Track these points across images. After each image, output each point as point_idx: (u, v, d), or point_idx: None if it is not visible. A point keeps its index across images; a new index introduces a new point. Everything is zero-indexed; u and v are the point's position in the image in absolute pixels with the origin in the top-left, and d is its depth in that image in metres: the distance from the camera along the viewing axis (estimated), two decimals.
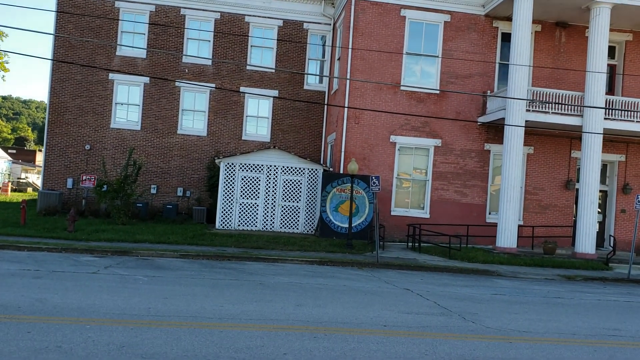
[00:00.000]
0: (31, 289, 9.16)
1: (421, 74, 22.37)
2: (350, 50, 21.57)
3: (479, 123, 21.99)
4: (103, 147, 24.35)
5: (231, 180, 21.41)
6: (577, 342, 8.05)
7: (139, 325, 7.22)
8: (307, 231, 21.55)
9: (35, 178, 74.91)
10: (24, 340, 6.13)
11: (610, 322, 9.88)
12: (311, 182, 21.74)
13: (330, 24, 25.37)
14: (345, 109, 21.51)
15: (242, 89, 24.98)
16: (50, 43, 24.05)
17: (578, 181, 20.86)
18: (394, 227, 21.23)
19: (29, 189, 53.50)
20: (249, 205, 21.51)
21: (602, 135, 19.89)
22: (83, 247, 15.11)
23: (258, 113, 25.65)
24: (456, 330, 8.26)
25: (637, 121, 20.91)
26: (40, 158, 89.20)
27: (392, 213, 21.81)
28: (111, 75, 24.23)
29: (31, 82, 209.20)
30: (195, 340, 6.68)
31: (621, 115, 20.87)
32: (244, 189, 21.47)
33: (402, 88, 21.88)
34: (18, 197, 36.18)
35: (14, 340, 6.15)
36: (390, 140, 21.95)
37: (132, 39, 24.78)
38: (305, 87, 25.73)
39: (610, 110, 20.60)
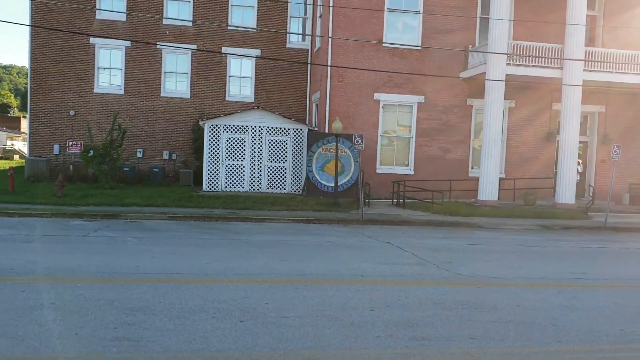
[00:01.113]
0: (23, 252, 9.49)
1: (403, 29, 22.40)
2: (331, 7, 21.50)
3: (460, 78, 22.18)
4: (87, 112, 24.35)
5: (216, 142, 21.58)
6: (543, 285, 8.54)
7: (128, 282, 7.58)
8: (294, 191, 21.90)
9: (21, 145, 74.34)
10: (19, 299, 6.48)
11: (578, 266, 10.40)
12: (297, 142, 21.96)
13: None
14: (329, 68, 21.58)
15: (224, 49, 24.89)
16: (27, 6, 23.69)
17: (559, 133, 21.23)
18: (380, 185, 21.61)
19: (16, 157, 53.32)
20: (235, 166, 21.75)
21: (581, 87, 20.18)
22: (72, 211, 15.39)
23: (241, 73, 25.64)
24: (429, 277, 8.71)
25: (616, 72, 21.21)
26: (25, 125, 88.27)
27: (378, 171, 22.17)
28: (92, 40, 24.03)
29: (11, 47, 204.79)
30: (181, 294, 7.06)
31: (601, 67, 21.14)
32: (229, 151, 21.67)
33: (384, 45, 21.93)
34: (5, 164, 36.16)
35: (10, 299, 6.49)
36: (374, 98, 22.12)
37: (112, 2, 24.48)
38: (288, 45, 25.67)
39: (590, 62, 20.85)
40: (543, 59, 20.48)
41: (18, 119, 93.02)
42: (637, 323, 6.66)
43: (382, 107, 22.27)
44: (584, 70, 20.44)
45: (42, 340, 5.21)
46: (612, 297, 7.98)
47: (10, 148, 61.28)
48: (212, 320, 6.06)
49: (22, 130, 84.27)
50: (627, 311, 7.18)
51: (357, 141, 17.65)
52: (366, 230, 14.66)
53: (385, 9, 21.81)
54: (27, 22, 23.93)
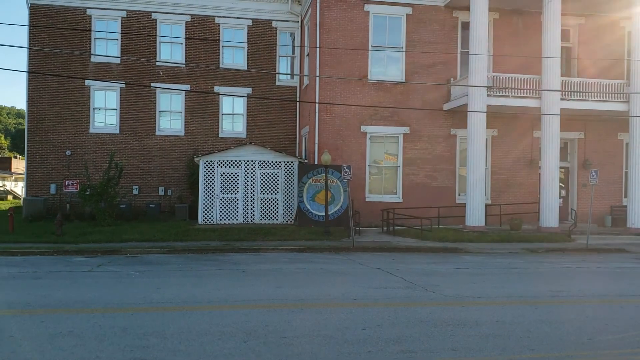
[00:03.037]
0: (34, 288, 10.04)
1: (387, 65, 23.41)
2: (317, 48, 22.50)
3: (444, 110, 23.12)
4: (84, 152, 25.01)
5: (210, 177, 22.29)
6: (522, 303, 9.20)
7: (137, 311, 8.17)
8: (287, 221, 22.55)
9: (13, 185, 74.50)
10: (39, 328, 7.05)
11: (557, 285, 11.07)
12: (288, 174, 22.71)
13: (298, 22, 26.27)
14: (317, 104, 22.47)
15: (216, 88, 25.80)
16: (24, 53, 24.50)
17: (540, 159, 22.10)
18: (369, 213, 22.30)
19: (9, 197, 53.60)
20: (229, 199, 22.42)
21: (559, 115, 21.16)
22: (73, 249, 15.93)
23: (233, 110, 26.51)
24: (418, 299, 9.35)
25: (592, 100, 22.25)
26: (16, 165, 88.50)
27: (367, 199, 22.90)
28: (87, 82, 24.86)
29: (1, 88, 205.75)
30: (188, 320, 7.65)
31: (577, 96, 22.18)
32: (223, 185, 22.37)
33: (369, 80, 22.90)
34: (1, 205, 36.56)
35: (32, 328, 7.06)
36: (361, 130, 22.99)
37: (106, 45, 25.42)
38: (278, 83, 26.65)
39: (567, 92, 21.88)
40: (522, 90, 21.49)
41: (9, 160, 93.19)
42: (605, 332, 7.33)
43: (369, 138, 23.13)
44: (561, 99, 21.47)
45: None
46: (585, 311, 8.65)
47: (2, 189, 61.52)
48: (218, 342, 6.66)
49: (13, 170, 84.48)
50: (597, 323, 7.85)
51: (346, 172, 18.40)
52: (357, 257, 15.28)
53: (370, 47, 22.87)
54: (25, 67, 24.76)
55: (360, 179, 22.50)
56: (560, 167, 22.93)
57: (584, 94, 22.15)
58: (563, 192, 24.45)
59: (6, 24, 21.88)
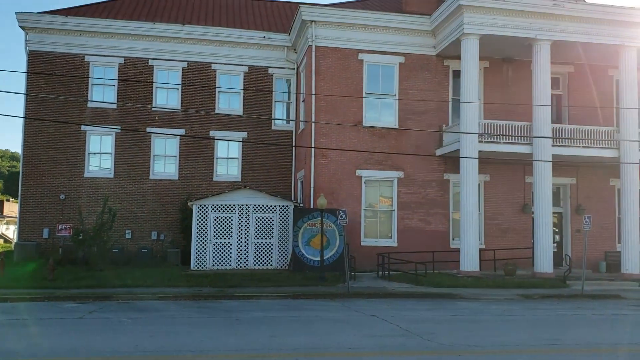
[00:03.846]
0: (24, 336, 9.88)
1: (381, 111, 23.76)
2: (313, 95, 22.85)
3: (437, 155, 23.36)
4: (78, 196, 24.97)
5: (204, 222, 22.24)
6: (518, 352, 9.13)
7: None
8: (281, 266, 22.39)
9: (4, 229, 73.82)
10: None
11: (553, 333, 11.00)
12: (283, 218, 22.70)
13: (293, 69, 26.74)
14: (312, 149, 22.67)
15: (211, 132, 26.01)
16: (22, 98, 24.77)
17: (533, 205, 22.23)
18: (365, 257, 22.19)
19: (0, 241, 53.10)
20: (223, 244, 22.31)
21: (551, 161, 21.39)
22: (65, 294, 15.72)
23: (228, 154, 26.66)
24: (413, 348, 9.26)
25: (583, 147, 22.56)
26: (8, 208, 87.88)
27: (362, 243, 22.85)
28: (83, 127, 25.02)
29: None
30: None
31: (568, 142, 22.49)
32: (217, 229, 22.30)
33: (364, 125, 23.19)
34: None
35: None
36: (357, 174, 23.14)
37: (103, 90, 25.73)
38: (273, 127, 26.90)
39: (558, 138, 22.19)
40: (513, 137, 21.79)
41: (1, 203, 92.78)
42: None
43: (364, 182, 23.26)
44: (552, 145, 21.74)
45: None
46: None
47: None
48: None
49: (4, 213, 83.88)
50: None
51: (342, 216, 18.43)
52: (352, 303, 15.15)
53: (364, 94, 23.27)
54: (22, 112, 24.98)
55: (355, 222, 22.50)
56: (554, 213, 23.03)
57: (574, 140, 22.48)
58: (557, 238, 24.50)
59: (5, 71, 22.19)
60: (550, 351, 9.23)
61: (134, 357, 8.27)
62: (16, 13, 24.60)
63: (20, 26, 24.85)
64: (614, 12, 21.91)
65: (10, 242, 49.99)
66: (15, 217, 46.42)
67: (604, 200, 24.73)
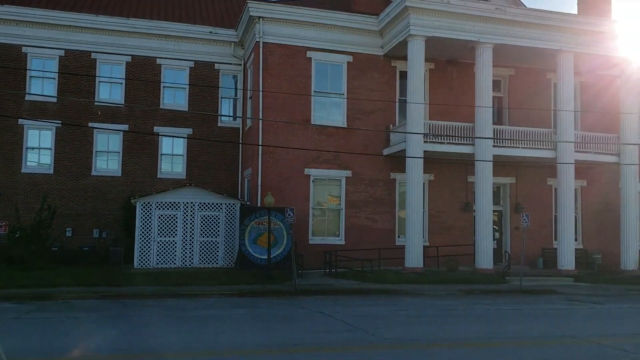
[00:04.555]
0: None
1: (329, 110, 23.88)
2: (261, 91, 22.74)
3: (384, 155, 23.68)
4: (15, 192, 23.97)
5: (148, 220, 21.78)
6: (458, 345, 9.40)
7: None
8: (227, 265, 22.19)
9: None
10: None
11: (492, 327, 11.38)
12: (229, 216, 22.49)
13: (240, 65, 26.52)
14: (260, 146, 22.55)
15: (156, 128, 25.48)
16: None
17: (475, 203, 22.87)
18: (312, 255, 22.21)
19: None
20: (167, 243, 21.92)
21: (492, 161, 22.07)
22: None
23: (173, 151, 26.18)
24: (358, 342, 9.38)
25: (522, 147, 23.38)
26: None
27: (310, 242, 22.91)
28: (21, 121, 24.03)
29: None
30: None
31: (509, 143, 23.25)
32: (161, 227, 21.88)
33: (312, 124, 23.25)
34: None
35: None
36: (305, 173, 23.19)
37: (42, 83, 24.81)
38: (220, 124, 26.60)
39: (499, 139, 22.90)
40: (457, 137, 22.35)
41: None
42: None
43: (313, 181, 23.34)
44: (493, 146, 22.42)
45: None
46: (519, 352, 8.91)
47: None
48: None
49: None
50: None
51: (289, 214, 18.44)
52: (299, 301, 15.19)
53: (312, 92, 23.33)
54: None
55: (303, 221, 22.54)
56: (494, 211, 23.74)
57: (514, 141, 23.26)
58: (497, 235, 25.28)
59: None
60: (490, 344, 9.55)
61: (73, 357, 8.03)
62: None
63: None
64: (551, 17, 22.82)
65: None
66: None
67: (542, 199, 25.69)
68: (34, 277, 18.12)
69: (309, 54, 23.45)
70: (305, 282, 18.80)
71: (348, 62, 23.82)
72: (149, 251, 21.66)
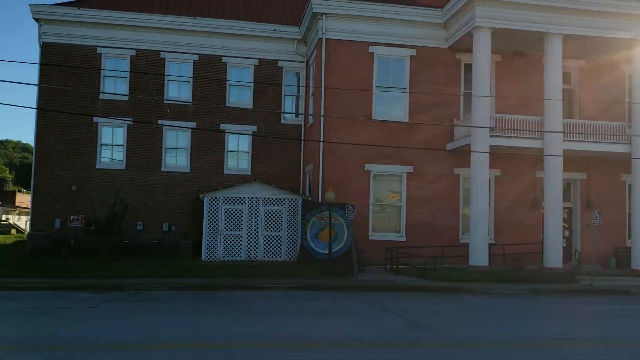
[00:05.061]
0: (40, 324, 10.05)
1: (391, 105, 23.73)
2: (323, 88, 22.87)
3: (447, 149, 23.32)
4: (90, 188, 25.18)
5: (215, 214, 22.42)
6: (526, 345, 9.18)
7: (141, 349, 8.18)
8: (290, 259, 22.53)
9: (16, 219, 74.58)
10: None
11: (561, 327, 11.04)
12: (291, 211, 22.83)
13: (303, 62, 26.77)
14: (321, 143, 22.71)
15: (222, 125, 26.14)
16: (34, 90, 24.97)
17: (543, 200, 22.17)
18: (373, 251, 22.23)
19: (13, 231, 53.64)
20: (233, 236, 22.49)
21: (561, 156, 21.31)
22: (77, 284, 15.94)
23: (238, 148, 26.81)
24: (422, 340, 9.34)
25: (594, 142, 22.46)
26: (20, 199, 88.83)
27: (371, 237, 22.89)
28: (95, 119, 25.21)
29: (7, 123, 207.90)
30: (194, 358, 7.67)
31: (579, 137, 22.39)
32: (227, 222, 22.47)
33: (373, 119, 23.19)
34: (4, 239, 36.61)
35: None
36: (365, 169, 23.18)
37: (115, 82, 25.91)
38: (283, 121, 26.98)
39: (569, 133, 22.10)
40: (524, 131, 21.72)
41: (13, 194, 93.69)
42: None
43: (373, 177, 23.29)
44: (563, 140, 21.65)
45: None
46: (587, 354, 8.62)
47: (5, 222, 61.59)
48: None
49: (16, 204, 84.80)
50: None
51: (350, 210, 18.51)
52: (361, 296, 15.23)
53: (374, 87, 23.26)
54: (34, 103, 25.22)
55: (363, 217, 22.53)
56: (564, 208, 22.94)
57: (585, 135, 22.37)
58: (566, 233, 24.42)
59: (18, 62, 22.32)
60: (560, 344, 9.28)
61: (147, 346, 8.41)
62: (30, 5, 24.77)
63: (34, 18, 25.01)
64: (627, 5, 21.72)
65: (23, 233, 50.52)
66: (28, 208, 46.76)
67: (615, 196, 24.58)
68: (108, 268, 19.05)
69: (371, 48, 23.37)
70: (366, 277, 18.82)
71: (411, 56, 23.58)
72: (216, 244, 22.29)
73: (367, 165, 23.10)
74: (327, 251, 20.66)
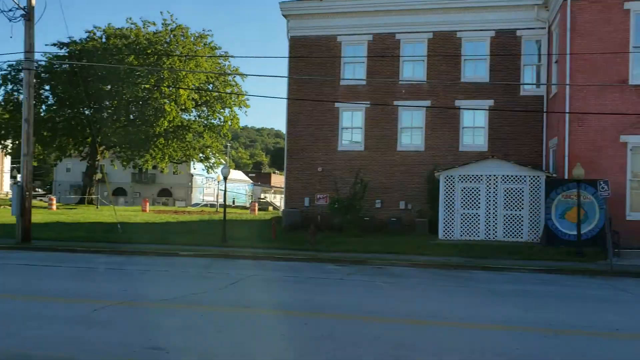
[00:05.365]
0: (297, 292, 11.28)
1: None
2: (568, 54, 20.99)
3: None
4: (333, 168, 27.07)
5: (451, 192, 22.29)
6: None
7: (388, 321, 8.61)
8: (532, 240, 21.35)
9: (272, 198, 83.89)
10: (304, 330, 7.90)
11: None
12: (533, 189, 21.55)
13: (545, 28, 24.84)
14: (567, 114, 20.95)
15: (456, 102, 25.77)
16: (284, 82, 27.57)
17: None
18: (631, 233, 19.86)
19: (270, 208, 60.46)
20: (470, 215, 22.12)
21: None
22: (325, 257, 17.35)
23: (474, 124, 26.16)
24: None
25: None
26: (274, 180, 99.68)
27: (628, 218, 20.47)
28: (337, 104, 26.91)
29: (262, 112, 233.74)
30: (437, 334, 7.86)
31: None
32: (464, 200, 22.17)
33: (630, 84, 20.56)
34: (263, 215, 41.50)
35: (298, 329, 7.96)
36: (620, 141, 20.72)
37: (353, 68, 27.29)
38: (522, 93, 25.50)
39: None
40: None
41: (269, 175, 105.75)
42: None
43: (630, 149, 20.70)
44: None
45: None
46: None
47: (263, 200, 69.60)
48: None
49: (272, 184, 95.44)
50: None
51: (603, 187, 16.81)
52: (617, 282, 13.79)
53: (630, 48, 20.55)
54: (285, 94, 27.91)
55: (619, 195, 20.20)
56: None
57: None
58: None
59: (271, 57, 24.94)
60: None
61: (391, 319, 8.82)
62: (280, 2, 27.34)
63: (282, 14, 27.55)
64: None
65: (278, 210, 56.64)
66: (281, 187, 51.76)
67: None
68: (350, 243, 20.35)
69: (627, 5, 20.63)
70: (624, 262, 16.93)
71: None
72: (452, 223, 22.20)
73: (624, 137, 20.59)
74: (574, 232, 19.09)
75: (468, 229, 22.07)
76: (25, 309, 8.88)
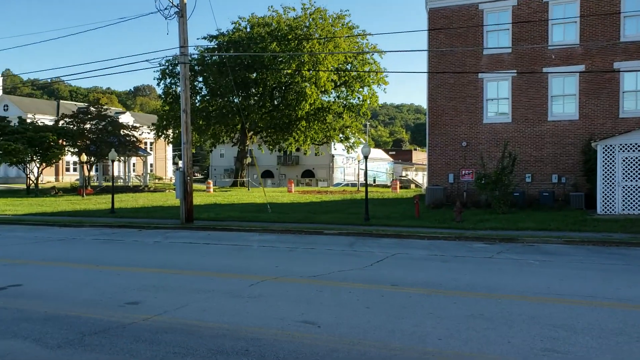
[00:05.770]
0: (443, 270, 11.10)
1: None
2: None
3: None
4: (478, 142, 26.11)
5: (610, 163, 20.49)
6: None
7: (542, 301, 8.19)
8: None
9: (413, 175, 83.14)
10: (452, 309, 7.77)
11: None
12: None
13: None
14: None
15: (615, 64, 23.50)
16: (424, 55, 26.98)
17: None
18: None
19: (412, 186, 59.97)
20: (633, 187, 20.21)
21: None
22: (472, 235, 16.87)
23: (637, 87, 23.69)
24: None
25: None
26: (415, 157, 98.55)
27: None
28: (480, 75, 25.83)
29: (401, 89, 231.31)
30: (597, 316, 7.31)
31: None
32: (626, 171, 20.29)
33: None
34: (404, 193, 41.27)
35: (446, 308, 7.86)
36: None
37: (497, 36, 25.95)
38: None
39: None
40: None
41: (409, 152, 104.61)
42: None
43: None
44: None
45: (482, 344, 6.25)
46: None
47: (405, 178, 69.16)
48: (636, 343, 6.17)
49: (413, 161, 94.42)
50: None
51: None
52: None
53: None
54: (425, 68, 27.33)
55: None
56: None
57: None
58: None
59: (408, 32, 24.55)
60: None
61: (546, 299, 8.38)
62: None
63: None
64: None
65: (420, 187, 56.00)
66: (423, 164, 51.03)
67: None
68: (499, 220, 19.59)
69: None
70: None
71: None
72: (613, 196, 20.46)
73: None
74: None
75: (631, 203, 20.21)
76: (192, 283, 9.73)
